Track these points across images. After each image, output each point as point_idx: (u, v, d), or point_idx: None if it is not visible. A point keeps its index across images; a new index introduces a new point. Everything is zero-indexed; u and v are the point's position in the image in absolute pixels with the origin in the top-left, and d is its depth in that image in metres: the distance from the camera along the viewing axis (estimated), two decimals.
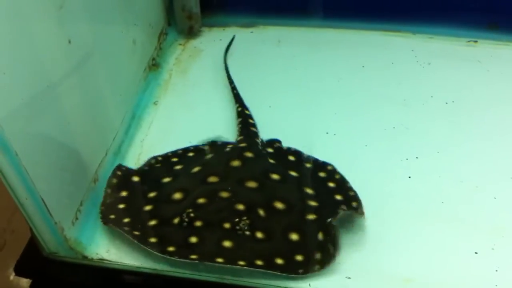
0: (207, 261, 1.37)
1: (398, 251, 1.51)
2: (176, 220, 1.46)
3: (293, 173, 1.66)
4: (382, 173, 1.73)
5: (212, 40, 2.37)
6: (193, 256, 1.38)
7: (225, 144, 1.81)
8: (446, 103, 1.98)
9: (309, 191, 1.60)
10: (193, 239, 1.40)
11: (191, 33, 2.37)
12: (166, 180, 1.65)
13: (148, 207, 1.56)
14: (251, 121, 1.88)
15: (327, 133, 1.89)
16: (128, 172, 1.68)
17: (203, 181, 1.57)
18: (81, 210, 1.58)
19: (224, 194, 1.49)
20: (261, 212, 1.47)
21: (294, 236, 1.45)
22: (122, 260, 1.50)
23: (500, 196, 1.65)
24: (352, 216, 1.56)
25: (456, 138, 1.83)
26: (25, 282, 1.64)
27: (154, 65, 2.18)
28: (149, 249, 1.43)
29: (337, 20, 2.31)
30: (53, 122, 1.44)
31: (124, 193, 1.61)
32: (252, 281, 1.43)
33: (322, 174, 1.68)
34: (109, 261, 1.51)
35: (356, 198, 1.58)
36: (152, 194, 1.60)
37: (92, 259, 1.52)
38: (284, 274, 1.39)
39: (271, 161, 1.70)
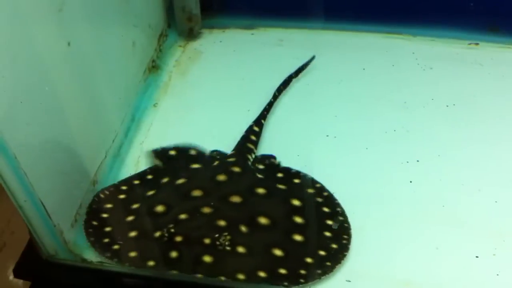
0: (186, 275, 1.37)
1: (398, 254, 1.51)
2: (157, 234, 1.46)
3: (280, 188, 1.65)
4: (383, 176, 1.73)
5: (212, 42, 2.36)
6: (173, 272, 1.39)
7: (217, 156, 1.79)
8: (447, 106, 1.97)
9: (295, 205, 1.59)
10: (173, 254, 1.41)
11: (191, 35, 2.36)
12: (151, 192, 1.64)
13: (130, 218, 1.56)
14: (253, 137, 1.84)
15: (327, 135, 1.88)
16: (115, 189, 1.68)
17: (187, 195, 1.56)
18: (80, 212, 1.59)
19: (206, 210, 1.49)
20: (243, 228, 1.47)
21: (277, 252, 1.45)
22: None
23: (501, 200, 1.64)
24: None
25: (457, 141, 1.83)
26: (24, 284, 1.64)
27: (154, 67, 2.18)
28: (127, 266, 1.44)
29: (337, 22, 2.29)
30: (52, 124, 1.44)
31: (108, 205, 1.61)
32: (251, 284, 1.42)
33: (310, 191, 1.66)
34: (108, 263, 1.50)
35: (343, 214, 1.58)
36: (135, 206, 1.60)
37: (91, 261, 1.52)
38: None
39: (259, 176, 1.69)
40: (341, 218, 1.56)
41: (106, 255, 1.48)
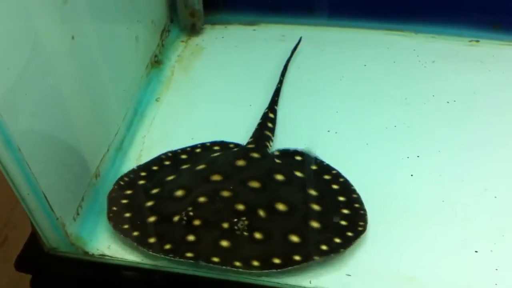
0: (202, 261, 1.37)
1: (398, 249, 1.52)
2: (176, 218, 1.47)
3: (298, 175, 1.66)
4: (383, 172, 1.73)
5: (214, 38, 2.37)
6: (189, 255, 1.38)
7: (233, 145, 1.82)
8: (448, 102, 1.98)
9: (314, 193, 1.60)
10: (191, 238, 1.41)
11: (193, 30, 2.37)
12: (171, 177, 1.65)
13: (149, 203, 1.56)
14: (269, 125, 1.86)
15: (328, 131, 1.89)
16: (135, 173, 1.70)
17: (206, 179, 1.56)
18: (82, 205, 1.59)
19: (225, 194, 1.49)
20: (261, 213, 1.47)
21: (294, 238, 1.46)
22: (123, 256, 1.51)
23: (500, 195, 1.65)
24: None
25: (457, 138, 1.83)
26: (26, 277, 1.65)
27: (157, 62, 2.18)
28: (146, 250, 1.44)
29: (339, 19, 2.30)
30: (56, 117, 1.44)
31: (128, 191, 1.62)
32: (252, 278, 1.43)
33: (327, 177, 1.67)
34: (110, 257, 1.51)
35: (359, 202, 1.59)
36: (155, 191, 1.60)
37: (93, 254, 1.52)
38: (278, 270, 1.39)
39: (278, 161, 1.70)
40: (357, 205, 1.57)
41: (132, 237, 1.48)
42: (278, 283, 1.43)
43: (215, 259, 1.37)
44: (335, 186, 1.64)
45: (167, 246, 1.42)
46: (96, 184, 1.66)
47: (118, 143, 1.81)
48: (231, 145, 1.82)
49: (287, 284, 1.43)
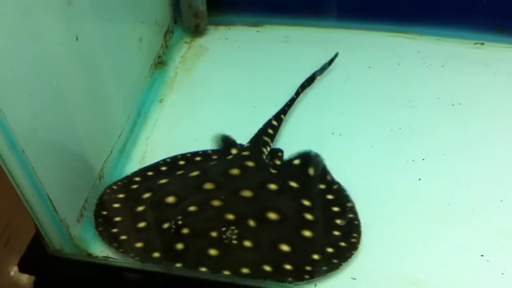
0: (191, 269, 1.38)
1: (404, 252, 1.51)
2: (165, 226, 1.46)
3: (292, 185, 1.64)
4: (388, 174, 1.73)
5: (218, 39, 2.36)
6: (178, 265, 1.38)
7: (232, 146, 1.81)
8: (453, 105, 1.97)
9: (307, 203, 1.59)
10: (179, 246, 1.40)
11: (197, 31, 2.36)
12: (163, 181, 1.64)
13: (140, 209, 1.56)
14: (270, 131, 1.84)
15: (332, 133, 1.88)
16: (128, 178, 1.70)
17: (199, 187, 1.56)
18: (86, 207, 1.59)
19: (216, 203, 1.49)
20: (251, 223, 1.47)
21: (284, 247, 1.45)
22: (127, 258, 1.49)
23: (506, 199, 1.64)
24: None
25: (462, 141, 1.83)
26: (28, 278, 1.64)
27: (160, 63, 2.18)
28: (132, 261, 1.45)
29: (343, 21, 2.29)
30: (60, 119, 1.44)
31: (120, 195, 1.62)
32: (258, 282, 1.42)
33: (322, 186, 1.67)
34: (114, 258, 1.50)
35: (352, 211, 1.58)
36: (146, 195, 1.60)
37: (96, 256, 1.52)
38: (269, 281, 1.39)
39: (273, 171, 1.69)
40: (350, 215, 1.56)
41: (113, 245, 1.48)
42: (282, 286, 1.42)
43: (203, 269, 1.37)
44: (329, 196, 1.63)
45: (156, 254, 1.42)
46: (99, 185, 1.66)
47: (121, 145, 1.81)
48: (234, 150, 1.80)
49: (291, 287, 1.42)
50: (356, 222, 1.55)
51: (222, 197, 1.50)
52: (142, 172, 1.72)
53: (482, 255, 1.50)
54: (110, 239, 1.50)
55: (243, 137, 1.85)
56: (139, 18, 1.96)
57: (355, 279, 1.45)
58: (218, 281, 1.44)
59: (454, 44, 2.23)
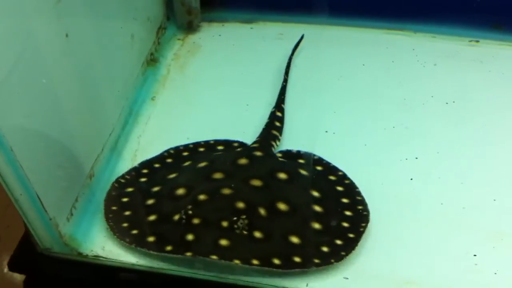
0: (201, 256, 1.36)
1: (396, 252, 1.51)
2: (176, 217, 1.45)
3: (302, 174, 1.64)
4: (381, 173, 1.72)
5: (211, 36, 2.35)
6: (188, 254, 1.37)
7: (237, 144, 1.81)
8: (447, 103, 1.97)
9: (316, 194, 1.59)
10: (190, 237, 1.39)
11: (190, 28, 2.35)
12: (172, 175, 1.64)
13: (150, 202, 1.55)
14: (277, 123, 1.84)
15: (326, 131, 1.87)
16: (136, 171, 1.69)
17: (208, 177, 1.55)
18: (76, 206, 1.57)
19: (226, 192, 1.47)
20: (262, 212, 1.46)
21: (294, 239, 1.44)
22: (118, 257, 1.49)
23: (499, 199, 1.64)
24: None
25: (456, 139, 1.82)
26: (19, 277, 1.63)
27: (152, 60, 2.16)
28: (145, 250, 1.43)
29: (337, 18, 2.28)
30: (49, 117, 1.43)
31: (129, 189, 1.61)
32: (249, 280, 1.42)
33: (332, 178, 1.66)
34: (104, 258, 1.50)
35: (363, 204, 1.58)
36: (156, 189, 1.59)
37: (87, 255, 1.51)
38: (279, 270, 1.38)
39: (282, 160, 1.69)
40: (360, 207, 1.56)
41: (126, 240, 1.47)
42: (275, 286, 1.42)
43: (213, 256, 1.35)
44: (339, 188, 1.63)
45: (168, 247, 1.40)
46: (90, 184, 1.64)
47: (112, 143, 1.79)
48: (235, 144, 1.81)
49: (284, 287, 1.42)
50: (365, 213, 1.55)
51: (232, 185, 1.49)
52: (148, 164, 1.72)
53: (475, 255, 1.50)
54: (122, 234, 1.49)
55: (236, 135, 1.84)
56: (131, 14, 1.95)
57: (347, 278, 1.44)
58: (211, 281, 1.44)
59: (449, 41, 2.23)
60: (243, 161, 1.60)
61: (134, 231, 1.48)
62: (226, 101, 2.01)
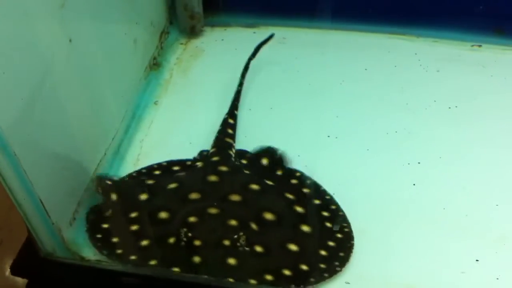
0: (186, 274, 1.36)
1: (398, 257, 1.50)
2: (171, 240, 1.44)
3: (269, 183, 1.64)
4: (383, 178, 1.72)
5: (214, 40, 2.35)
6: (175, 270, 1.38)
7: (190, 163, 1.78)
8: (449, 108, 1.96)
9: (290, 197, 1.59)
10: (196, 259, 1.38)
11: (193, 32, 2.35)
12: (143, 197, 1.61)
13: (134, 227, 1.52)
14: (230, 131, 1.83)
15: (328, 136, 1.87)
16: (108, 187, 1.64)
17: (185, 198, 1.54)
18: (79, 210, 1.58)
19: (213, 211, 1.47)
20: (254, 226, 1.46)
21: (293, 247, 1.45)
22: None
23: (502, 204, 1.63)
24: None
25: (459, 144, 1.82)
26: (21, 281, 1.63)
27: (155, 64, 2.16)
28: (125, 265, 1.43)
29: (340, 22, 2.28)
30: (53, 122, 1.43)
31: (106, 214, 1.58)
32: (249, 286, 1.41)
33: (294, 181, 1.67)
34: (107, 262, 1.49)
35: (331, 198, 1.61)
36: (134, 214, 1.56)
37: (89, 260, 1.51)
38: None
39: (246, 172, 1.68)
40: (333, 206, 1.59)
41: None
42: None
43: (230, 280, 1.35)
44: (306, 190, 1.65)
45: (175, 270, 1.39)
46: (93, 189, 1.64)
47: (115, 147, 1.80)
48: (188, 163, 1.77)
49: None
50: (341, 213, 1.57)
51: (215, 204, 1.49)
52: (112, 186, 1.65)
53: (477, 260, 1.49)
54: (122, 260, 1.47)
55: (238, 139, 1.84)
56: (133, 19, 1.95)
57: (349, 283, 1.44)
58: (212, 285, 1.43)
59: (451, 46, 2.22)
60: (213, 178, 1.59)
61: (133, 257, 1.46)
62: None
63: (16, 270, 1.57)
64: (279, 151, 1.74)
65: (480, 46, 2.22)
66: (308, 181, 1.66)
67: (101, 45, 1.68)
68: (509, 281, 1.44)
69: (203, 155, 1.78)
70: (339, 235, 1.51)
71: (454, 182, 1.70)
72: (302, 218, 1.53)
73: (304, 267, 1.41)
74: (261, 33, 2.36)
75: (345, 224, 1.54)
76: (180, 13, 2.31)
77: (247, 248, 1.40)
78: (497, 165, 1.75)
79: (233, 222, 1.44)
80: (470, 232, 1.56)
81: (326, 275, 1.42)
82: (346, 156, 1.79)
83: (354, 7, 2.28)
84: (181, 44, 2.33)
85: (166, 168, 1.75)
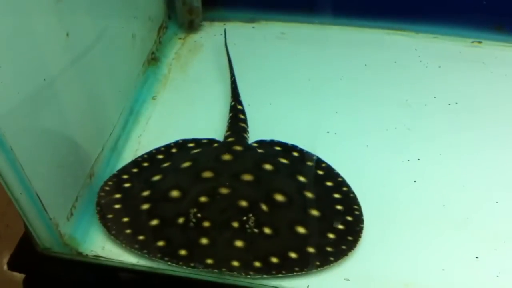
0: (222, 268, 1.35)
1: (398, 254, 1.50)
2: (181, 220, 1.44)
3: (284, 162, 1.65)
4: (383, 175, 1.71)
5: (212, 35, 2.34)
6: (209, 261, 1.36)
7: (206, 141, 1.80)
8: (449, 104, 1.96)
9: (302, 179, 1.60)
10: (204, 241, 1.38)
11: (191, 27, 2.34)
12: (157, 178, 1.62)
13: (145, 206, 1.53)
14: (241, 116, 1.85)
15: (327, 132, 1.86)
16: (117, 177, 1.66)
17: (197, 177, 1.54)
18: (76, 206, 1.56)
19: (224, 191, 1.47)
20: (264, 207, 1.46)
21: (301, 229, 1.45)
22: (118, 257, 1.48)
23: (502, 201, 1.63)
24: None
25: (459, 141, 1.81)
26: (19, 276, 1.62)
27: (153, 59, 2.15)
28: (159, 260, 1.41)
29: (339, 18, 2.28)
30: (50, 116, 1.42)
31: (116, 196, 1.58)
32: (249, 280, 1.40)
33: (309, 163, 1.69)
34: (104, 258, 1.49)
35: (346, 185, 1.62)
36: (146, 193, 1.57)
37: (87, 255, 1.50)
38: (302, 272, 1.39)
39: (261, 151, 1.69)
40: (345, 188, 1.60)
41: (134, 247, 1.45)
42: (275, 286, 1.41)
43: (235, 263, 1.35)
44: (320, 172, 1.66)
45: (182, 252, 1.39)
46: (90, 184, 1.63)
47: (113, 143, 1.78)
48: (205, 141, 1.79)
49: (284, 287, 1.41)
50: (352, 195, 1.58)
51: (227, 183, 1.48)
52: (126, 170, 1.68)
53: (477, 257, 1.49)
54: (128, 241, 1.46)
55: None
56: (132, 13, 1.94)
57: (348, 280, 1.43)
58: (210, 281, 1.43)
59: (452, 42, 2.22)
60: (227, 157, 1.60)
61: (141, 237, 1.45)
62: (227, 101, 1.99)
63: (13, 265, 1.57)
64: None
65: (480, 42, 2.21)
66: (323, 164, 1.68)
67: (99, 40, 1.66)
68: (509, 279, 1.43)
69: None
70: (349, 218, 1.51)
71: (454, 179, 1.69)
72: (313, 200, 1.54)
73: (311, 250, 1.41)
74: (261, 28, 2.37)
75: (356, 207, 1.55)
76: (179, 8, 2.30)
77: (255, 230, 1.40)
78: (497, 162, 1.74)
79: (243, 203, 1.43)
80: (470, 230, 1.55)
81: (332, 258, 1.42)
82: (345, 152, 1.78)
83: (353, 3, 2.27)
84: (180, 39, 2.32)
85: (182, 145, 1.77)
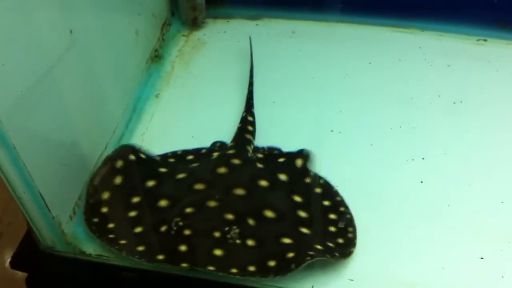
0: (198, 268, 1.35)
1: (402, 254, 1.49)
2: (163, 229, 1.44)
3: (282, 178, 1.62)
4: (387, 174, 1.70)
5: (216, 32, 2.33)
6: (184, 265, 1.36)
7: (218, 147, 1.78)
8: (454, 103, 1.94)
9: (298, 198, 1.57)
10: (183, 248, 1.38)
11: (195, 24, 2.33)
12: (151, 184, 1.60)
13: (133, 214, 1.52)
14: (249, 128, 1.82)
15: (332, 130, 1.85)
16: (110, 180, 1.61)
17: (190, 188, 1.53)
18: (79, 204, 1.57)
19: (212, 203, 1.46)
20: (251, 222, 1.45)
21: (286, 240, 1.43)
22: (120, 256, 1.47)
23: (507, 201, 1.62)
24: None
25: (464, 139, 1.80)
26: (21, 275, 1.62)
27: (157, 56, 2.14)
28: (136, 259, 1.41)
29: (344, 15, 2.26)
30: (53, 115, 1.41)
31: (106, 196, 1.56)
32: (254, 280, 1.39)
33: (307, 180, 1.65)
34: (107, 257, 1.49)
35: (344, 205, 1.57)
36: (136, 199, 1.56)
37: (89, 254, 1.50)
38: (277, 277, 1.36)
39: (260, 165, 1.67)
40: (342, 209, 1.56)
41: (115, 248, 1.45)
42: (278, 286, 1.41)
43: (211, 267, 1.34)
44: (317, 190, 1.62)
45: (160, 257, 1.39)
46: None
47: (116, 141, 1.78)
48: (203, 151, 1.77)
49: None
50: (349, 216, 1.54)
51: (217, 196, 1.48)
52: (122, 170, 1.64)
53: (481, 258, 1.48)
54: (110, 242, 1.46)
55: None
56: (135, 10, 1.93)
57: (352, 280, 1.43)
58: (214, 281, 1.43)
59: (456, 40, 2.20)
60: (222, 170, 1.58)
61: (122, 241, 1.45)
62: (230, 99, 1.99)
63: (15, 263, 1.56)
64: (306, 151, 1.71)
65: (485, 40, 2.20)
66: (321, 181, 1.64)
67: (102, 37, 1.66)
68: None
69: (216, 146, 1.78)
70: (340, 240, 1.48)
71: (459, 178, 1.68)
72: (305, 220, 1.51)
73: (290, 255, 1.38)
74: (264, 25, 2.35)
75: (350, 229, 1.51)
76: (182, 5, 2.29)
77: (238, 241, 1.39)
78: (502, 161, 1.73)
79: (229, 216, 1.43)
80: (475, 230, 1.54)
81: (308, 258, 1.38)
82: (349, 151, 1.77)
83: (358, 0, 2.26)
84: (183, 36, 2.31)
85: (180, 157, 1.74)
